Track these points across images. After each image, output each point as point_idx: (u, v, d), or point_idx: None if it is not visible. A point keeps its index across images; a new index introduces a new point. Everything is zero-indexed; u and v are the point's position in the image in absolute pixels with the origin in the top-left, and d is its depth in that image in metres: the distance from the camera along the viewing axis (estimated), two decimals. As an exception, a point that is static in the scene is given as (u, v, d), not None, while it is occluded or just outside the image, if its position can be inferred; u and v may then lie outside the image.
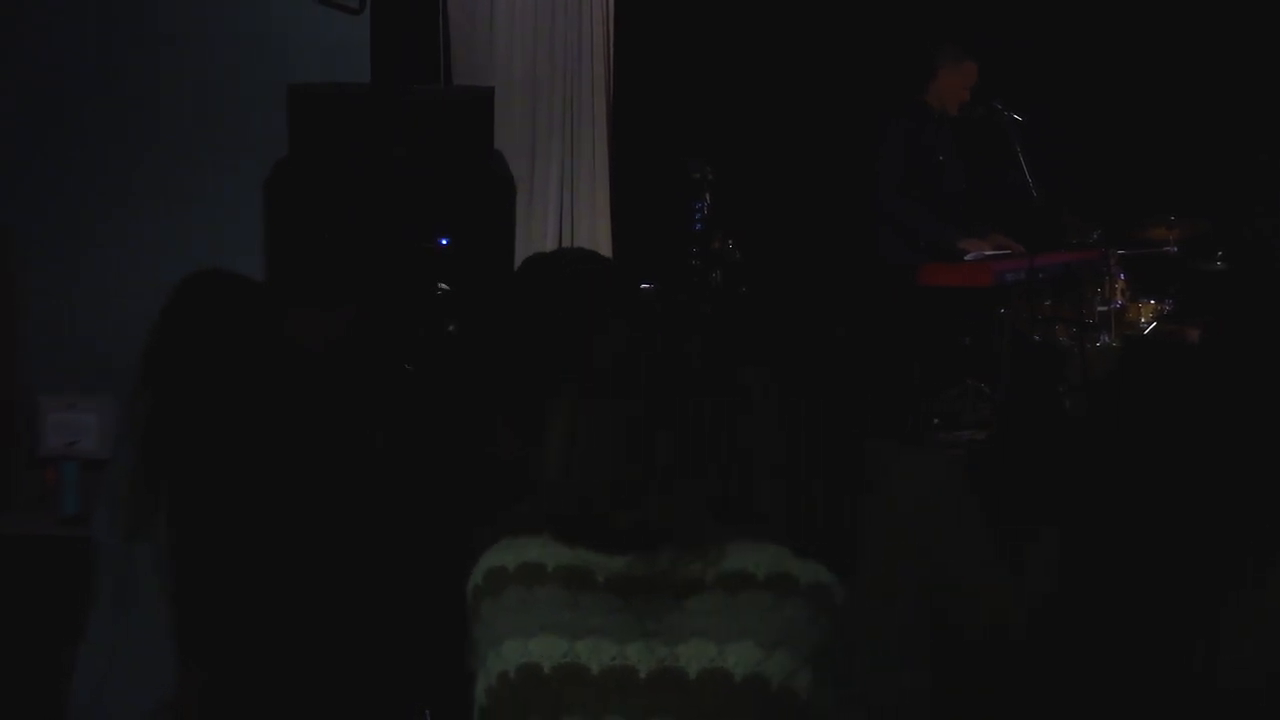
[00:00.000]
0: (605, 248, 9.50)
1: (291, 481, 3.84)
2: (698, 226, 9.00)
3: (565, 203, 9.62)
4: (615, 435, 2.45)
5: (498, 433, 3.79)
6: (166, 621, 3.88)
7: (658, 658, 2.32)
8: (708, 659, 2.31)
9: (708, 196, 8.94)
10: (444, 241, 7.20)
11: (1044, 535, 3.55)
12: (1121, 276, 8.49)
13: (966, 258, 8.66)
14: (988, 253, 8.67)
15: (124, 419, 4.14)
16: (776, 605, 2.34)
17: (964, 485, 3.59)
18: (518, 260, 6.71)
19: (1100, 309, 8.33)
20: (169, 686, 3.89)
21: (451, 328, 4.34)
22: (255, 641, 3.83)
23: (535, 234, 9.33)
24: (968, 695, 3.33)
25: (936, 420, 8.09)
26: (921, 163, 8.90)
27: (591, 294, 3.98)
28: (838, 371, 3.48)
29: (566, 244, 9.44)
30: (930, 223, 8.82)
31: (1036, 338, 8.34)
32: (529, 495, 2.59)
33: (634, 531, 2.40)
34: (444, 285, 6.30)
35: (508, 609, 2.40)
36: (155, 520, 3.88)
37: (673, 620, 2.34)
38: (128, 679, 3.92)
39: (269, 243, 7.15)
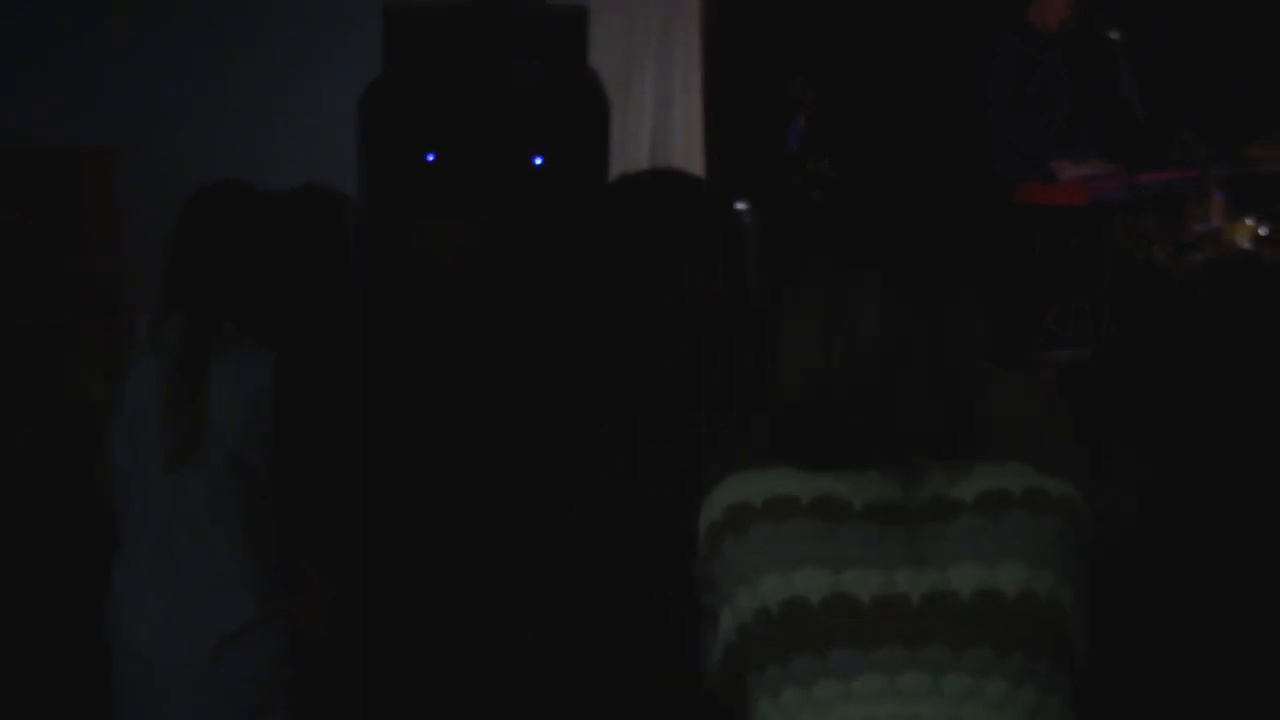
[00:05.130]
0: (699, 167, 9.47)
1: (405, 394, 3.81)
2: (793, 146, 8.97)
3: (659, 121, 9.59)
4: (863, 352, 2.41)
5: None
6: (235, 546, 3.85)
7: (928, 583, 2.31)
8: (979, 581, 2.30)
9: (803, 115, 8.91)
10: (538, 160, 7.20)
11: (1135, 455, 3.54)
12: (1219, 195, 8.39)
13: (1062, 176, 8.61)
14: (1082, 173, 8.62)
15: (137, 342, 4.03)
16: (1035, 522, 2.35)
17: (1050, 406, 3.58)
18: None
19: (1198, 228, 8.25)
20: (244, 611, 3.88)
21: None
22: (382, 554, 3.80)
23: (630, 153, 9.30)
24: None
25: (1034, 340, 8.05)
26: (1027, 81, 8.84)
27: (683, 214, 3.94)
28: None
29: (660, 163, 9.41)
30: (1032, 141, 8.78)
31: (1136, 256, 8.28)
32: (757, 421, 2.53)
33: (886, 442, 2.39)
34: None
35: (757, 545, 2.37)
36: (201, 445, 3.81)
37: (938, 544, 2.33)
38: (194, 611, 3.86)
39: (364, 161, 7.17)
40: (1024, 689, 2.27)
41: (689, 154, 9.54)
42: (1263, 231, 8.27)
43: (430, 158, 7.11)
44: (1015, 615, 2.29)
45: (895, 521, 2.35)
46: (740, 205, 8.79)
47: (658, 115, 9.59)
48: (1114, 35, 8.55)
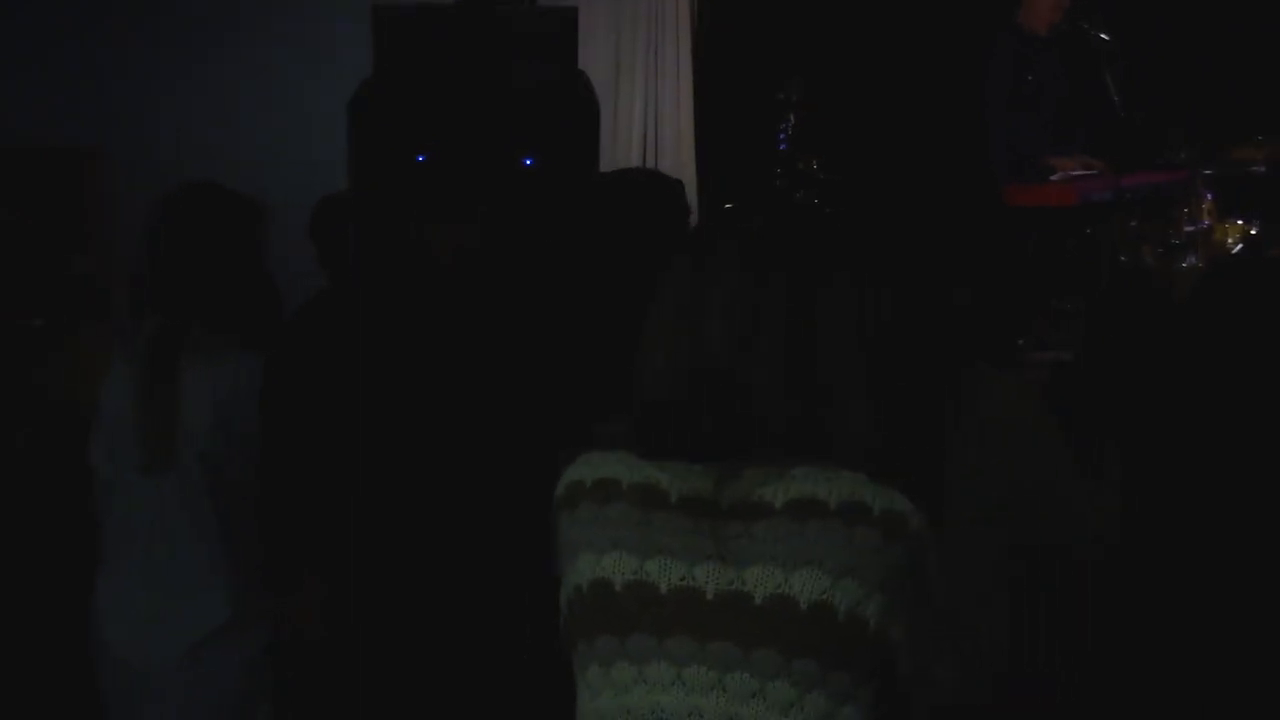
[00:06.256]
0: (689, 168, 9.48)
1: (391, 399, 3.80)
2: (782, 146, 8.97)
3: (649, 123, 9.59)
4: (708, 350, 2.40)
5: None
6: (212, 547, 3.87)
7: (725, 580, 2.32)
8: (774, 584, 2.29)
9: (792, 117, 8.91)
10: (528, 162, 7.20)
11: (1122, 455, 3.55)
12: (1209, 197, 8.40)
13: (1053, 178, 8.62)
14: (1074, 173, 8.62)
15: (110, 348, 4.04)
16: (846, 533, 2.30)
17: (1044, 406, 3.58)
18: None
19: (1187, 229, 8.24)
20: (222, 612, 3.89)
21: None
22: (372, 553, 3.81)
23: (619, 155, 9.31)
24: (1046, 616, 3.34)
25: (1021, 341, 8.04)
26: (1023, 81, 8.85)
27: (653, 215, 3.95)
28: (926, 294, 3.46)
29: (650, 164, 9.42)
30: (1026, 142, 8.80)
31: (1123, 258, 8.28)
32: (623, 412, 2.57)
33: (716, 439, 2.38)
34: None
35: (582, 523, 2.42)
36: (175, 447, 3.83)
37: (740, 544, 2.33)
38: (172, 613, 3.88)
39: (354, 163, 7.17)
40: (813, 696, 2.27)
41: (678, 154, 9.55)
42: (1253, 232, 8.28)
43: (421, 159, 7.11)
44: (808, 623, 2.27)
45: (704, 516, 2.35)
46: (730, 206, 8.81)
47: (647, 116, 9.60)
48: (1103, 36, 8.56)
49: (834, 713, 2.27)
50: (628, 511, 2.38)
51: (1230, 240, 8.32)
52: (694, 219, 4.13)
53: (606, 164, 8.20)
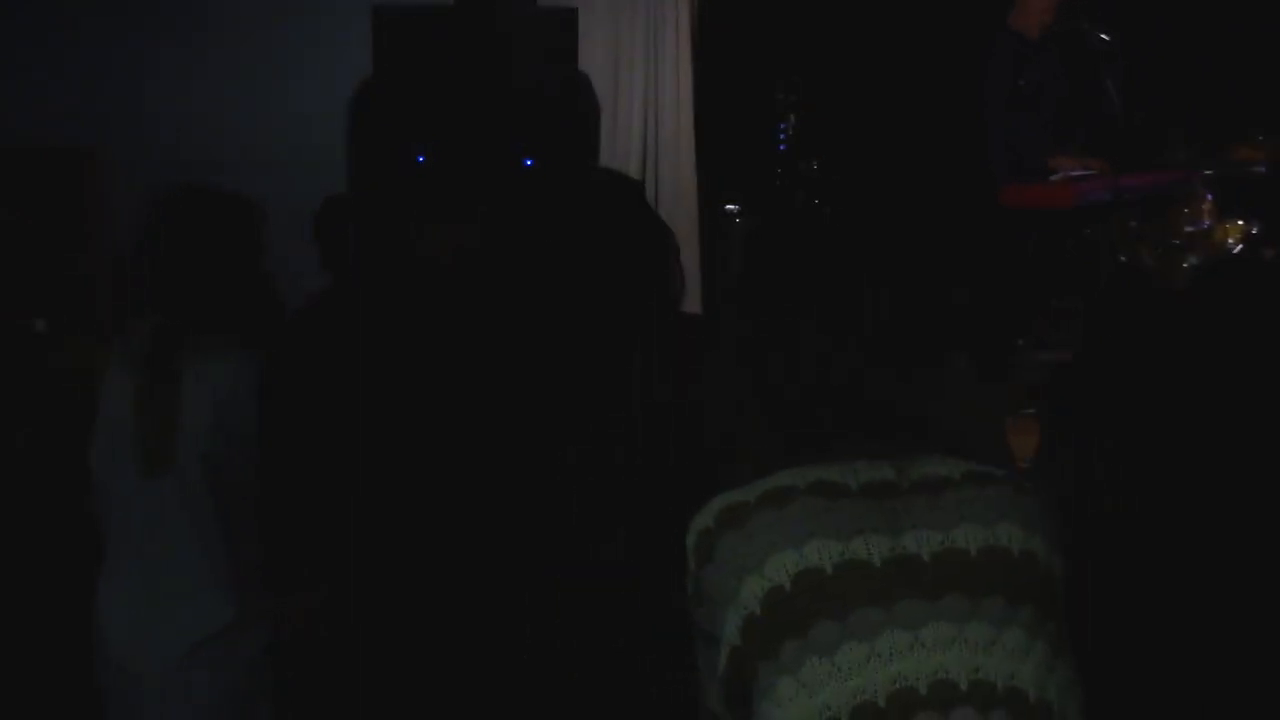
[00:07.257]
0: (689, 169, 9.47)
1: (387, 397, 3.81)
2: (781, 147, 8.98)
3: (649, 123, 9.58)
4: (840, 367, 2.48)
5: None
6: (213, 548, 3.86)
7: (935, 542, 2.36)
8: (983, 538, 2.36)
9: (791, 117, 8.92)
10: (528, 163, 7.20)
11: (1121, 454, 3.55)
12: (1208, 197, 8.39)
13: (1053, 178, 8.61)
14: (1074, 173, 8.62)
15: (109, 349, 4.03)
16: (1016, 496, 2.43)
17: (1041, 405, 3.59)
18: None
19: (1186, 229, 8.24)
20: (223, 613, 3.89)
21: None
22: (380, 557, 3.81)
23: (619, 155, 9.30)
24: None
25: (1020, 341, 8.04)
26: (1023, 81, 8.85)
27: (616, 217, 3.93)
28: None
29: (650, 165, 9.42)
30: (1026, 142, 8.80)
31: (1122, 258, 8.28)
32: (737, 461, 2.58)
33: (880, 450, 2.45)
34: None
35: (760, 532, 2.39)
36: (174, 448, 3.82)
37: (935, 513, 2.39)
38: (172, 615, 3.87)
39: (353, 162, 7.18)
40: (1037, 644, 2.31)
41: (678, 155, 9.54)
42: (1254, 232, 8.28)
43: (420, 159, 7.12)
44: (1021, 570, 2.35)
45: (891, 496, 2.41)
46: (730, 206, 8.82)
47: (647, 116, 9.59)
48: (1102, 37, 8.56)
49: (1053, 663, 2.32)
50: (813, 503, 2.39)
51: (1230, 240, 8.31)
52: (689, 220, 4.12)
53: (606, 164, 8.20)
